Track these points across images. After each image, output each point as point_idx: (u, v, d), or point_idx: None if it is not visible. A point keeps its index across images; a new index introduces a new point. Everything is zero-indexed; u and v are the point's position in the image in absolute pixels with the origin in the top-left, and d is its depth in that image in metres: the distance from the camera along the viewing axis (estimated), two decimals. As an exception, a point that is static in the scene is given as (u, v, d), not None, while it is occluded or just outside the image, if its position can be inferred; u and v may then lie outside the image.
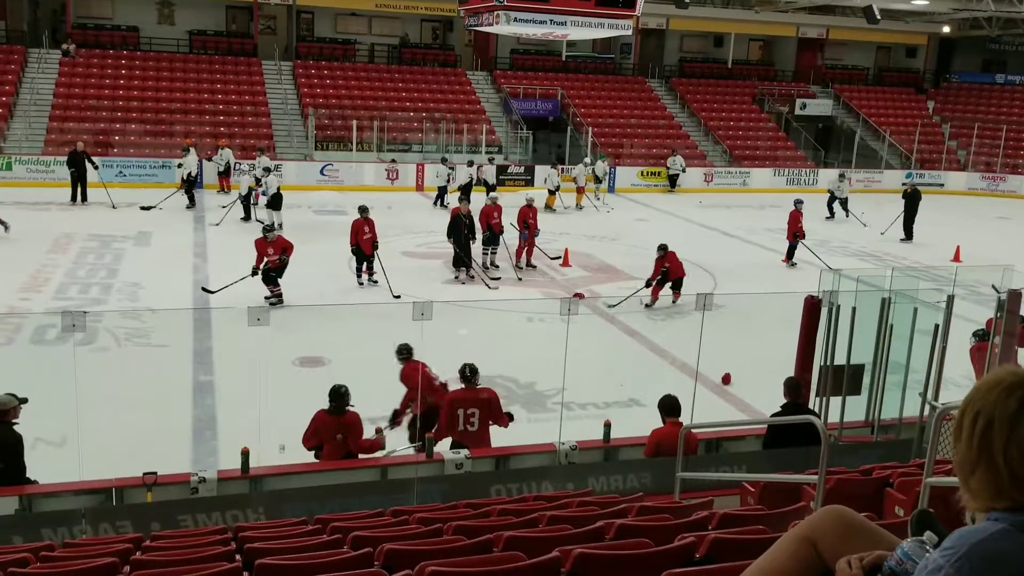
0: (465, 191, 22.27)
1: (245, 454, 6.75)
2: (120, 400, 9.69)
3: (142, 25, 30.71)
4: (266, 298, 13.28)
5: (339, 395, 7.06)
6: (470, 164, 23.80)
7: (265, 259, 13.35)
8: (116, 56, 29.08)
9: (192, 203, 21.49)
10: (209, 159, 24.02)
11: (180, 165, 22.02)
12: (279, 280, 13.53)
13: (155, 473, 6.69)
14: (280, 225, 19.23)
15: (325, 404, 7.19)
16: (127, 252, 16.91)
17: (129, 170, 23.95)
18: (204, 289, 13.44)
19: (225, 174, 23.70)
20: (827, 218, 23.36)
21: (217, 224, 19.57)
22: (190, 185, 21.51)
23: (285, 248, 13.58)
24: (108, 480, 6.64)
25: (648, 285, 13.96)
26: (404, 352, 8.08)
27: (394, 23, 33.37)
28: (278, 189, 19.48)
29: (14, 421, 6.73)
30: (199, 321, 12.56)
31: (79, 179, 21.16)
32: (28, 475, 6.72)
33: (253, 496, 6.34)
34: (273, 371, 10.60)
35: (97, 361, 11.31)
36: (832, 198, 23.85)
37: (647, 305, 13.93)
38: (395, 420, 8.12)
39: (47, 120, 25.59)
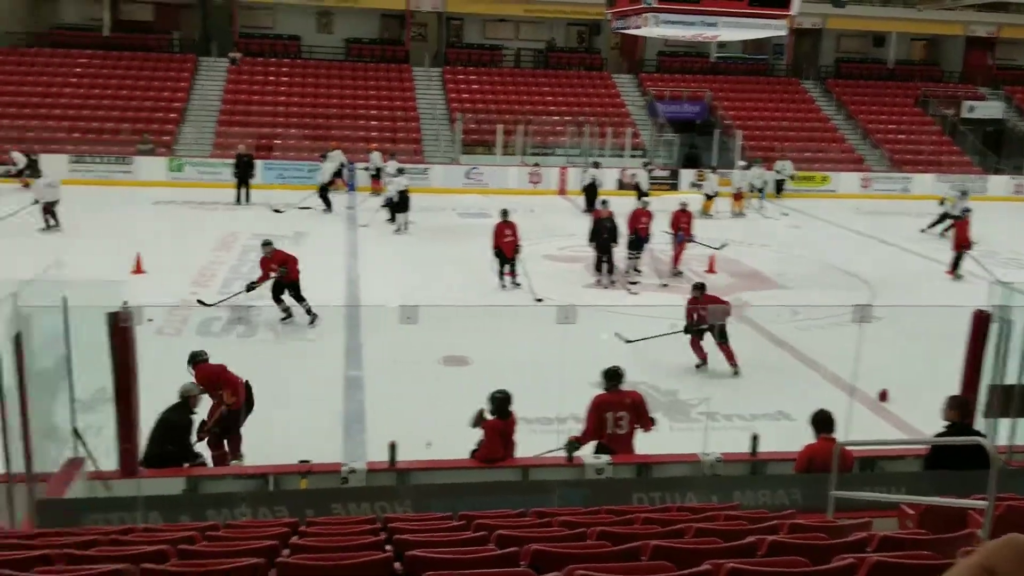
0: (589, 192, 22.38)
1: (392, 448, 6.94)
2: (277, 390, 10.19)
3: (303, 34, 32.24)
4: (282, 318, 12.72)
5: (506, 400, 7.10)
6: (596, 166, 23.80)
7: (270, 275, 12.75)
8: (278, 64, 30.65)
9: (328, 207, 21.98)
10: (376, 169, 24.70)
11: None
12: (297, 296, 12.77)
13: (309, 461, 6.98)
14: (407, 225, 19.84)
15: (467, 402, 7.27)
16: (285, 251, 17.74)
17: (288, 172, 25.17)
18: (200, 301, 12.99)
19: (376, 177, 24.53)
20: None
21: (366, 225, 20.28)
22: (324, 189, 22.21)
23: (285, 261, 12.76)
24: (266, 466, 6.98)
25: (686, 332, 11.22)
26: (199, 356, 8.03)
27: (540, 28, 33.64)
28: (405, 191, 19.95)
29: (194, 410, 7.20)
30: (350, 318, 13.03)
31: (243, 181, 22.40)
32: (196, 453, 7.18)
33: (400, 489, 6.52)
34: (419, 368, 10.92)
35: (257, 353, 11.96)
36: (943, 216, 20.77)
37: (697, 366, 11.21)
38: (203, 431, 7.81)
39: (215, 125, 27.26)
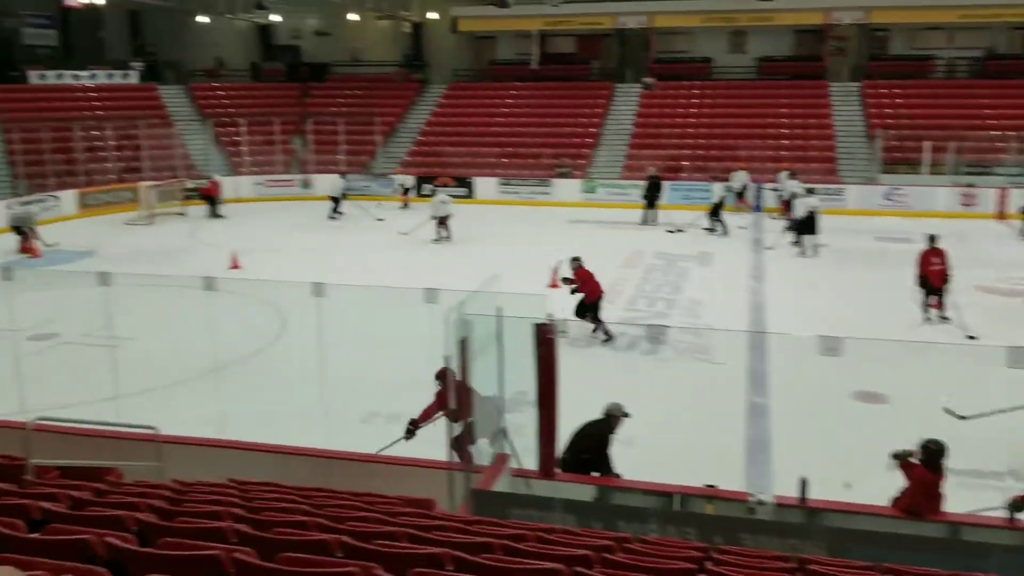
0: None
1: (803, 484, 6.61)
2: (678, 409, 10.30)
3: (715, 56, 32.45)
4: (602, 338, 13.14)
5: (939, 453, 6.44)
6: None
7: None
8: (688, 87, 31.14)
9: (716, 229, 21.75)
10: (784, 190, 24.14)
11: (731, 189, 22.92)
12: (593, 317, 13.20)
13: (715, 486, 6.92)
14: (815, 248, 18.85)
15: (883, 443, 6.71)
16: (690, 271, 17.94)
17: (694, 193, 25.42)
18: (566, 281, 13.61)
19: (784, 198, 23.79)
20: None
21: (772, 248, 19.75)
22: (716, 209, 21.91)
23: (584, 280, 13.25)
24: (673, 485, 7.03)
25: None
26: (447, 372, 7.31)
27: (978, 34, 30.20)
28: (813, 212, 18.99)
29: (615, 428, 7.54)
30: (754, 343, 12.75)
31: (651, 201, 23.09)
32: (615, 470, 7.46)
33: (813, 528, 6.18)
34: (829, 402, 10.33)
35: (660, 370, 12.22)
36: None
37: None
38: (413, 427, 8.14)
39: (626, 148, 28.48)
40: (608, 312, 14.65)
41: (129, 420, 8.68)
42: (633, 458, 8.32)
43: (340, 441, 8.50)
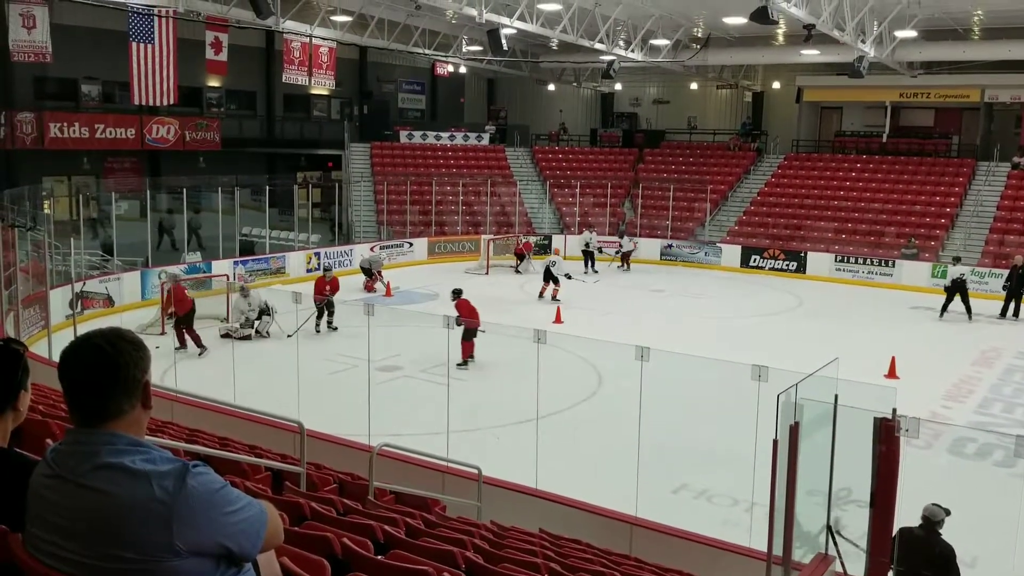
0: None
1: None
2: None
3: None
4: None
5: None
6: None
7: None
8: (1070, 168, 27.48)
9: None
10: None
11: None
12: None
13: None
14: None
15: None
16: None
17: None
18: None
19: None
20: None
21: None
22: None
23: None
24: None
25: None
26: None
27: None
28: None
29: (940, 531, 6.67)
30: None
31: (1014, 294, 20.48)
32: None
33: None
34: None
35: (1015, 486, 10.61)
36: None
37: None
38: None
39: (987, 232, 25.64)
40: (956, 413, 13.18)
41: (451, 456, 9.19)
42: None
43: (646, 508, 8.33)
